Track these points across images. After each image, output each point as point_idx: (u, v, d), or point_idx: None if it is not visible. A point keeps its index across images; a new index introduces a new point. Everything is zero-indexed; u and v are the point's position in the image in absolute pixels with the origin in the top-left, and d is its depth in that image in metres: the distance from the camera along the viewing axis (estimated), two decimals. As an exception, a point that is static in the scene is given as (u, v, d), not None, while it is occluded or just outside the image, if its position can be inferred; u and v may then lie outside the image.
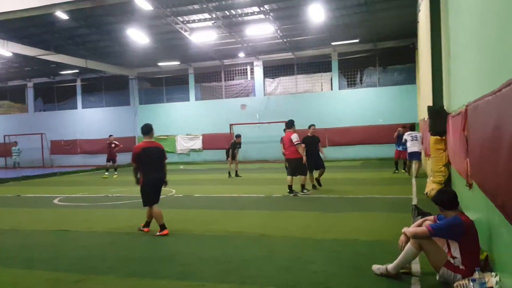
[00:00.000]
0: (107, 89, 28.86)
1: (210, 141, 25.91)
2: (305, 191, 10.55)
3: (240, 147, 16.49)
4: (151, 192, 6.77)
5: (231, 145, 16.21)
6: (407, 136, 13.50)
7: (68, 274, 4.78)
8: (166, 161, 7.08)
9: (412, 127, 14.24)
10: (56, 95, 29.91)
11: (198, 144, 26.40)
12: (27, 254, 5.86)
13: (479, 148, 4.04)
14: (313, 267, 4.66)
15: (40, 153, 28.16)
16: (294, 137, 10.36)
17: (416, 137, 13.30)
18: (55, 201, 11.32)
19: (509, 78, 2.72)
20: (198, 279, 4.40)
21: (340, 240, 5.83)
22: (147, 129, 6.94)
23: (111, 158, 18.75)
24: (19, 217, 8.96)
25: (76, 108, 29.35)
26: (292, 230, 6.58)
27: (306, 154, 10.79)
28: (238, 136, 16.36)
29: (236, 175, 16.09)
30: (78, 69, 25.22)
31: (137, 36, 19.56)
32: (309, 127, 11.74)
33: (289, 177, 10.47)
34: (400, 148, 14.47)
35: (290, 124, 10.73)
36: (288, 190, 10.47)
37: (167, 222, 6.73)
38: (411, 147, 13.17)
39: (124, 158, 27.11)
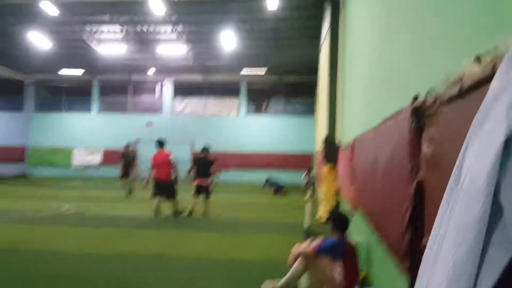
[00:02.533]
0: (-3, 92, 26.25)
1: (111, 157, 24.73)
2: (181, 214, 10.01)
3: (134, 160, 15.07)
4: None
5: (124, 156, 14.84)
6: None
7: None
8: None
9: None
10: None
11: (97, 159, 24.99)
12: None
13: (362, 176, 4.56)
14: None
15: None
16: (172, 158, 9.95)
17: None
18: None
19: (385, 117, 3.19)
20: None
21: (235, 261, 5.99)
22: None
23: None
24: None
25: (-44, 110, 26.18)
26: (190, 251, 6.60)
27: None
28: (127, 146, 15.13)
29: (130, 193, 14.55)
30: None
31: (39, 41, 18.30)
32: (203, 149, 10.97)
33: (156, 200, 9.87)
34: None
35: (163, 143, 10.18)
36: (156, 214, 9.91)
37: (54, 239, 6.28)
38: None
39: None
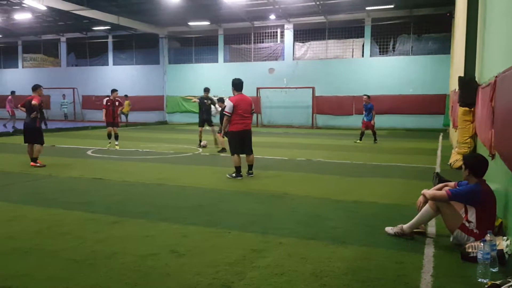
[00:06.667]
0: (137, 47, 29.18)
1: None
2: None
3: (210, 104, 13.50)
4: None
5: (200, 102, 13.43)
6: None
7: (104, 216, 5.20)
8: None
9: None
10: (88, 51, 30.47)
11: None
12: (64, 197, 6.33)
13: (503, 118, 4.11)
14: (331, 224, 4.92)
15: (72, 107, 29.24)
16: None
17: None
18: (89, 152, 11.90)
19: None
20: (224, 227, 4.74)
21: (358, 202, 6.05)
22: None
23: (115, 122, 13.11)
24: (55, 165, 9.48)
25: (107, 64, 29.89)
26: (313, 191, 6.82)
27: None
28: (206, 90, 13.82)
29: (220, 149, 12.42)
30: (110, 25, 25.52)
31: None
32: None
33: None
34: (366, 119, 15.00)
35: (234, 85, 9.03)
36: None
37: (193, 177, 7.03)
38: None
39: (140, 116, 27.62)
